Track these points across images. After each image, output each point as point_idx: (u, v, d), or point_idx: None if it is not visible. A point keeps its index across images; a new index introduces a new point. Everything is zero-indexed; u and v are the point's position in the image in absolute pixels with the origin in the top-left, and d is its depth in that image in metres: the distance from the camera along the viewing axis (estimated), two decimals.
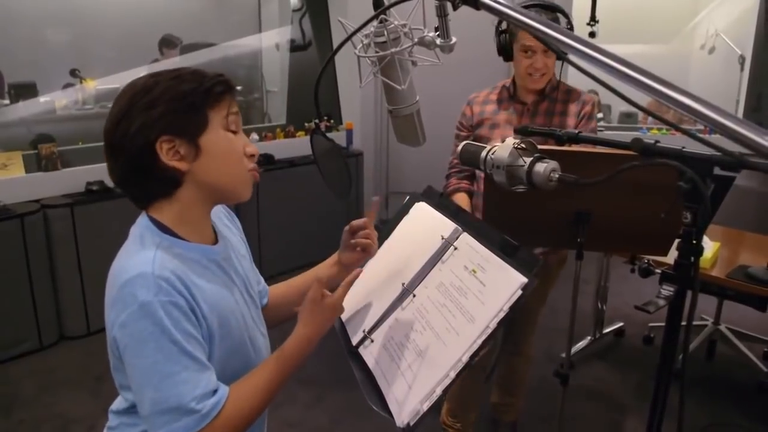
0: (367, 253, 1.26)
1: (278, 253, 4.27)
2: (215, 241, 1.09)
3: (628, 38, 5.20)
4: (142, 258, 0.93)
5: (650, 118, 5.17)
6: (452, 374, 0.96)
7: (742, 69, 4.90)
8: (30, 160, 3.48)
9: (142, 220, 1.01)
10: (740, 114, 4.88)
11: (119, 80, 1.02)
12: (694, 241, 0.93)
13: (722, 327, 3.41)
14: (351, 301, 1.26)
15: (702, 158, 0.90)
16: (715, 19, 5.16)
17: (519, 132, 1.24)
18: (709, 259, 2.61)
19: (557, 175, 1.00)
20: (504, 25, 2.06)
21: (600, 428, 2.72)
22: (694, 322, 3.36)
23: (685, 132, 0.88)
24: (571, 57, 0.73)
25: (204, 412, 0.91)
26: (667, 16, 5.57)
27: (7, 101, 3.99)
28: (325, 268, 1.30)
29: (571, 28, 2.06)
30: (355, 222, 1.24)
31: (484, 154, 1.12)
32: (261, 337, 1.15)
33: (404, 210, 1.37)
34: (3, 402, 2.85)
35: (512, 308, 0.96)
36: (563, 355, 1.98)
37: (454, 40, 1.01)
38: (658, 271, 1.01)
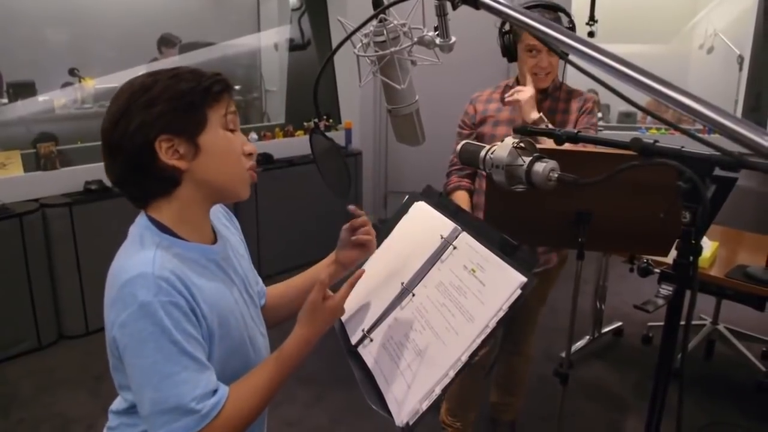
0: (366, 250, 1.26)
1: (277, 252, 4.27)
2: (214, 241, 1.09)
3: (627, 38, 5.20)
4: (141, 258, 0.93)
5: (649, 118, 5.18)
6: (451, 373, 0.96)
7: (740, 69, 4.90)
8: (29, 159, 3.48)
9: (141, 220, 1.01)
10: (739, 114, 4.89)
11: (118, 79, 1.02)
12: (693, 241, 0.93)
13: (721, 327, 3.41)
14: (350, 301, 1.26)
15: (701, 158, 0.90)
16: (714, 19, 5.16)
17: (518, 131, 1.24)
18: (708, 258, 2.62)
19: (556, 175, 1.00)
20: (507, 26, 2.06)
21: (598, 427, 2.72)
22: (693, 322, 3.36)
23: (685, 132, 0.88)
24: (571, 56, 0.73)
25: (204, 412, 0.91)
26: (666, 16, 5.57)
27: (5, 100, 3.99)
28: (322, 267, 1.30)
29: (573, 28, 2.06)
30: (356, 220, 1.25)
31: (483, 153, 1.12)
32: (260, 337, 1.15)
33: (403, 209, 1.37)
34: (2, 402, 2.85)
35: (512, 308, 0.96)
36: (562, 354, 1.98)
37: (453, 39, 1.01)
38: (657, 270, 1.01)
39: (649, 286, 1.00)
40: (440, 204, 1.29)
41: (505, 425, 2.58)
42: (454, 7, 0.88)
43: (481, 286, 1.02)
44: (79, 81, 4.31)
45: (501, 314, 0.97)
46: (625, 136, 1.21)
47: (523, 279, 0.97)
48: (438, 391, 0.96)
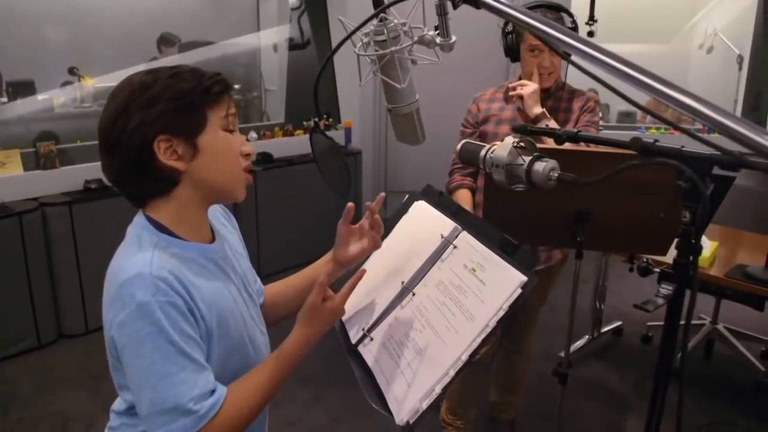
0: (367, 247, 1.25)
1: (277, 251, 4.27)
2: (212, 240, 1.09)
3: (626, 38, 5.20)
4: (139, 258, 0.93)
5: (649, 118, 5.18)
6: (452, 373, 0.96)
7: (740, 68, 4.90)
8: (28, 158, 3.48)
9: (139, 220, 1.01)
10: (738, 113, 4.88)
11: (118, 78, 1.02)
12: (693, 241, 0.94)
13: (720, 326, 3.41)
14: (350, 300, 1.26)
15: (701, 157, 0.90)
16: (714, 19, 5.16)
17: (518, 131, 1.24)
18: (708, 258, 2.62)
19: (556, 174, 1.00)
20: (510, 26, 2.07)
21: (598, 427, 2.72)
22: (692, 322, 3.36)
23: (685, 131, 0.88)
24: (573, 56, 0.74)
25: (202, 412, 0.91)
26: (665, 16, 5.57)
27: (5, 99, 3.99)
28: (320, 265, 1.29)
29: (576, 28, 2.07)
30: (369, 205, 1.23)
31: (483, 152, 1.12)
32: (260, 336, 1.15)
33: (403, 209, 1.37)
34: (1, 400, 2.85)
35: (512, 307, 0.96)
36: (562, 353, 1.99)
37: (453, 38, 1.01)
38: (657, 270, 1.01)
39: (649, 286, 1.00)
40: (440, 203, 1.29)
41: (505, 424, 2.58)
42: (455, 7, 0.88)
43: (482, 286, 1.02)
44: (79, 80, 4.30)
45: (501, 313, 0.97)
46: (625, 135, 1.21)
47: (524, 278, 0.97)
48: (438, 390, 0.96)
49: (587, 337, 3.47)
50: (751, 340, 3.34)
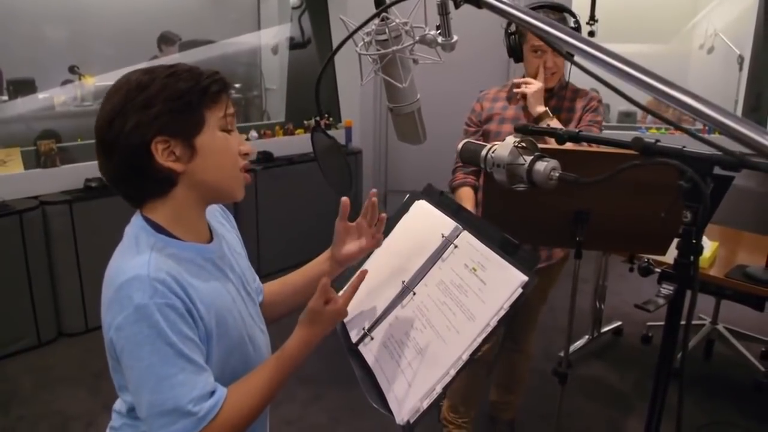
0: (371, 243, 1.25)
1: (277, 250, 4.27)
2: (210, 240, 1.08)
3: (627, 38, 5.20)
4: (137, 260, 0.92)
5: (649, 117, 5.18)
6: (452, 372, 0.96)
7: (741, 69, 4.90)
8: (29, 156, 3.48)
9: (137, 220, 1.01)
10: (739, 114, 4.88)
11: (118, 77, 1.02)
12: (694, 241, 0.94)
13: (720, 326, 3.41)
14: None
15: (702, 158, 0.90)
16: (714, 19, 5.15)
17: (519, 130, 1.24)
18: (708, 258, 2.62)
19: (557, 174, 1.00)
20: (513, 27, 2.07)
21: (597, 426, 2.73)
22: (692, 322, 3.36)
23: (686, 131, 0.88)
24: (575, 56, 0.74)
25: (201, 414, 0.91)
26: (666, 16, 5.56)
27: (5, 97, 3.99)
28: (318, 263, 1.29)
29: (579, 28, 2.07)
30: (367, 205, 1.22)
31: (484, 152, 1.12)
32: (260, 335, 1.15)
33: (404, 208, 1.37)
34: (1, 399, 2.85)
35: (512, 306, 0.97)
36: (562, 353, 1.99)
37: (455, 38, 1.01)
38: (658, 270, 1.01)
39: (649, 286, 1.00)
40: (441, 203, 1.29)
41: (505, 424, 2.58)
42: (456, 6, 0.88)
43: (482, 285, 1.02)
44: (79, 78, 4.30)
45: (502, 313, 0.97)
46: (626, 135, 1.21)
47: (524, 278, 0.97)
48: (439, 389, 0.96)
49: (587, 336, 3.47)
50: (750, 341, 3.34)
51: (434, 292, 1.10)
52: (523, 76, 2.12)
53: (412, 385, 1.00)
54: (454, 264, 1.11)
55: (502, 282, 0.99)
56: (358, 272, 1.09)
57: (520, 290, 0.97)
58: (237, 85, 5.46)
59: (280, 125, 4.81)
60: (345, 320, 1.25)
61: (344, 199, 1.18)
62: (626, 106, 5.22)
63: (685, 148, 0.93)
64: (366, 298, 1.23)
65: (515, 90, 2.07)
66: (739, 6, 5.08)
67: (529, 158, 1.03)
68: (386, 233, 1.34)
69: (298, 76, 5.30)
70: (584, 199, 1.64)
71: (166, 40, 4.82)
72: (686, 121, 4.26)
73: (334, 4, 4.97)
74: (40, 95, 4.12)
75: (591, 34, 3.10)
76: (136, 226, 1.00)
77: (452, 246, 1.14)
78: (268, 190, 4.24)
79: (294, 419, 2.72)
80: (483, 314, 0.98)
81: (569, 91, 2.11)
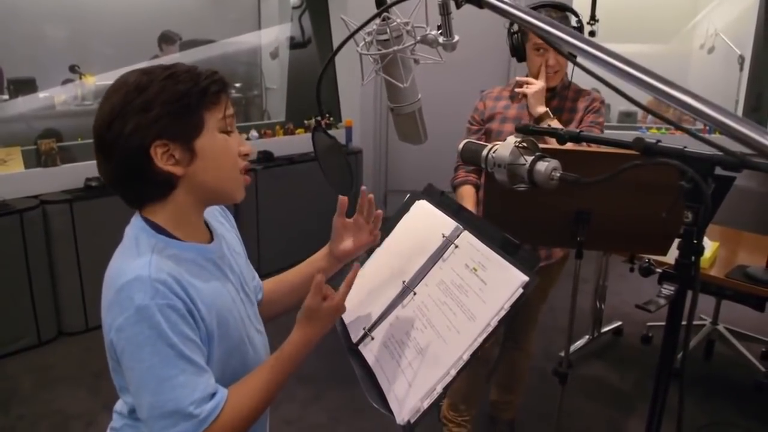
0: (369, 239, 1.25)
1: (277, 250, 4.27)
2: (210, 239, 1.08)
3: (627, 37, 5.20)
4: (138, 261, 0.92)
5: (649, 117, 5.17)
6: (453, 372, 0.96)
7: (741, 69, 4.90)
8: (29, 155, 3.48)
9: (137, 221, 1.00)
10: (739, 114, 4.87)
11: (118, 76, 1.02)
12: (695, 241, 0.94)
13: (720, 327, 3.41)
14: (352, 299, 1.26)
15: (703, 158, 0.90)
16: (715, 19, 5.15)
17: (520, 130, 1.24)
18: (708, 258, 2.62)
19: (558, 174, 1.00)
20: (516, 26, 2.07)
21: (597, 426, 2.73)
22: (693, 322, 3.36)
23: (687, 131, 0.88)
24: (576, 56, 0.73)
25: (202, 416, 0.90)
26: (666, 16, 5.56)
27: (6, 97, 3.99)
28: (316, 260, 1.29)
29: (581, 28, 2.07)
30: (362, 202, 1.23)
31: (485, 152, 1.12)
32: (258, 335, 1.15)
33: (404, 208, 1.37)
34: (1, 398, 2.85)
35: (513, 306, 0.96)
36: (562, 353, 1.99)
37: (456, 38, 1.00)
38: (659, 270, 1.01)
39: (649, 286, 1.00)
40: (442, 203, 1.29)
41: (505, 423, 2.58)
42: (458, 6, 0.88)
43: (483, 285, 1.02)
44: (80, 78, 4.30)
45: (502, 313, 0.97)
46: (626, 135, 1.21)
47: (525, 278, 0.97)
48: (439, 389, 0.96)
49: (587, 336, 3.47)
50: (751, 341, 3.34)
51: (435, 292, 1.10)
52: (527, 76, 2.12)
53: (412, 385, 1.00)
54: (454, 264, 1.11)
55: (502, 282, 0.99)
56: (353, 268, 1.09)
57: (520, 290, 0.97)
58: (237, 85, 5.47)
59: (280, 125, 4.81)
60: (346, 320, 1.25)
61: (342, 198, 1.18)
62: (627, 106, 5.22)
63: (686, 149, 0.93)
64: (366, 298, 1.23)
65: (516, 89, 2.07)
66: (739, 6, 5.07)
67: (530, 158, 1.03)
68: (387, 233, 1.35)
69: (299, 76, 5.31)
70: (585, 200, 1.64)
71: (166, 40, 4.82)
72: (686, 121, 4.26)
73: (334, 3, 4.97)
74: (41, 94, 4.12)
75: (591, 34, 3.10)
76: (136, 227, 1.00)
77: (453, 246, 1.14)
78: (269, 189, 4.24)
79: (294, 419, 2.72)
80: (484, 314, 0.98)
81: (571, 91, 2.11)
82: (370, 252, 1.34)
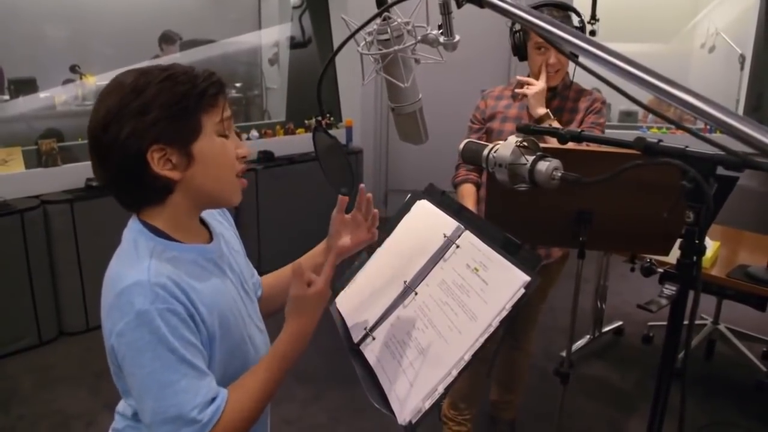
0: (366, 237, 1.24)
1: (278, 250, 4.27)
2: (209, 239, 1.08)
3: (628, 37, 5.19)
4: (137, 266, 0.91)
5: (650, 117, 5.17)
6: (454, 373, 0.96)
7: (742, 68, 4.89)
8: (30, 155, 3.48)
9: (134, 224, 0.99)
10: (740, 113, 4.86)
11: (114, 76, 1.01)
12: (697, 241, 0.93)
13: (721, 326, 3.41)
14: (353, 299, 1.26)
15: (705, 157, 0.90)
16: (716, 18, 5.15)
17: (521, 130, 1.24)
18: (709, 258, 2.62)
19: (560, 174, 1.00)
20: (518, 25, 2.07)
21: (598, 426, 2.72)
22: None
23: (689, 131, 0.88)
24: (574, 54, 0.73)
25: (204, 421, 0.90)
26: (667, 15, 5.55)
27: (6, 97, 3.99)
28: (314, 256, 1.29)
29: (583, 27, 2.07)
30: (360, 201, 1.23)
31: (486, 152, 1.11)
32: (258, 333, 1.14)
33: (405, 208, 1.37)
34: (2, 398, 2.85)
35: (515, 307, 0.96)
36: (562, 353, 1.98)
37: (457, 37, 1.00)
38: (660, 270, 1.01)
39: (650, 286, 1.00)
40: (443, 202, 1.28)
41: (506, 424, 2.58)
42: (459, 6, 0.88)
43: (484, 285, 1.02)
44: (80, 78, 4.30)
45: (504, 313, 0.96)
46: (627, 135, 1.21)
47: (527, 278, 0.97)
48: (441, 389, 0.96)
49: (588, 336, 3.46)
50: (752, 341, 3.34)
51: (436, 292, 1.10)
52: (528, 75, 2.12)
53: (414, 385, 1.00)
54: (456, 264, 1.11)
55: (504, 282, 0.99)
56: (336, 245, 1.11)
57: (522, 290, 0.96)
58: (238, 85, 5.47)
59: (280, 124, 4.81)
60: (347, 319, 1.25)
61: (342, 197, 1.18)
62: (627, 106, 5.21)
63: (687, 148, 0.92)
64: (368, 298, 1.23)
65: (516, 90, 2.07)
66: (740, 5, 5.07)
67: (531, 158, 1.02)
68: (388, 233, 1.34)
69: (299, 76, 5.31)
70: (586, 199, 1.64)
71: (167, 40, 4.82)
72: (687, 120, 4.26)
73: (334, 3, 4.98)
74: (41, 94, 4.12)
75: (592, 33, 3.10)
76: (134, 230, 0.99)
77: (454, 246, 1.14)
78: (269, 189, 4.24)
79: (294, 419, 2.72)
80: (485, 314, 0.98)
81: (573, 91, 2.11)
82: (371, 252, 1.34)
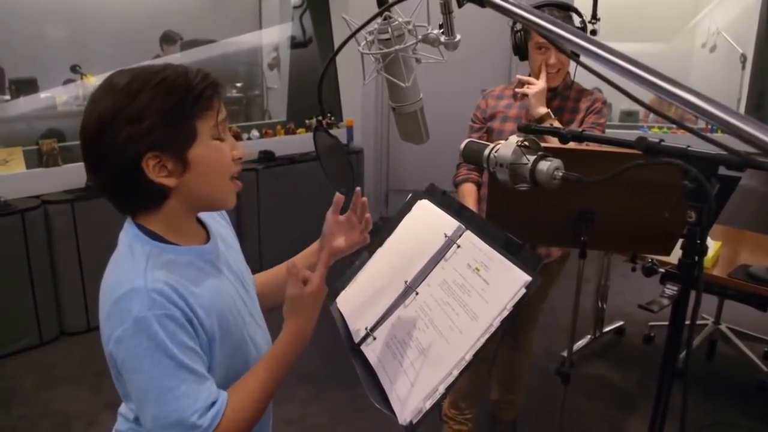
0: (359, 239, 1.24)
1: (278, 249, 4.26)
2: (206, 239, 1.07)
3: (628, 36, 5.19)
4: (134, 272, 0.91)
5: (651, 116, 5.16)
6: (455, 373, 0.96)
7: (743, 67, 4.89)
8: (31, 155, 3.48)
9: (130, 228, 0.98)
10: (742, 113, 4.85)
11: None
12: (699, 241, 0.93)
13: (723, 326, 3.41)
14: (354, 299, 1.26)
15: (707, 157, 0.90)
16: (717, 17, 5.14)
17: (522, 130, 1.24)
18: (711, 258, 2.61)
19: (561, 174, 1.00)
20: (519, 25, 2.07)
21: (599, 426, 2.72)
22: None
23: (691, 130, 0.88)
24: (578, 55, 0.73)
25: (205, 425, 0.90)
26: (668, 14, 5.55)
27: (7, 97, 3.99)
28: (308, 255, 1.29)
29: (585, 27, 2.06)
30: (356, 203, 1.23)
31: (487, 152, 1.11)
32: (260, 332, 1.14)
33: (406, 208, 1.37)
34: (3, 398, 2.85)
35: (516, 306, 0.96)
36: (563, 353, 1.98)
37: (458, 37, 1.00)
38: (662, 270, 1.01)
39: (651, 286, 1.00)
40: (444, 202, 1.28)
41: (506, 424, 2.58)
42: (460, 5, 0.88)
43: (486, 285, 1.02)
44: (81, 78, 4.30)
45: (505, 313, 0.96)
46: (628, 134, 1.21)
47: (528, 278, 0.97)
48: (442, 389, 0.96)
49: (589, 336, 3.46)
50: (753, 341, 3.34)
51: (437, 292, 1.10)
52: (529, 75, 2.12)
53: (414, 386, 0.99)
54: (456, 264, 1.10)
55: (505, 282, 0.99)
56: (330, 246, 1.12)
57: (523, 290, 0.96)
58: (238, 84, 5.47)
59: (281, 124, 4.80)
60: (347, 319, 1.24)
61: (338, 195, 1.18)
62: (628, 105, 5.21)
63: (689, 148, 0.92)
64: (369, 298, 1.23)
65: (517, 90, 2.07)
66: (740, 4, 5.06)
67: (532, 158, 1.02)
68: (388, 233, 1.34)
69: (300, 76, 5.30)
70: (588, 199, 1.64)
71: (167, 40, 4.82)
72: (689, 120, 4.25)
73: (335, 3, 4.97)
74: (42, 94, 4.12)
75: (593, 32, 3.10)
76: (129, 234, 0.98)
77: (455, 246, 1.14)
78: (270, 189, 4.24)
79: (294, 419, 2.72)
80: (486, 314, 0.98)
81: (574, 91, 2.11)
82: (372, 252, 1.34)
